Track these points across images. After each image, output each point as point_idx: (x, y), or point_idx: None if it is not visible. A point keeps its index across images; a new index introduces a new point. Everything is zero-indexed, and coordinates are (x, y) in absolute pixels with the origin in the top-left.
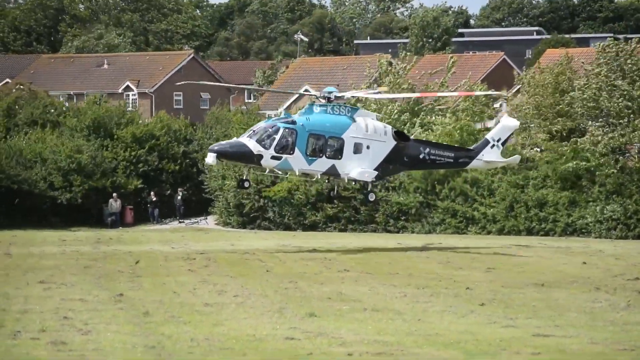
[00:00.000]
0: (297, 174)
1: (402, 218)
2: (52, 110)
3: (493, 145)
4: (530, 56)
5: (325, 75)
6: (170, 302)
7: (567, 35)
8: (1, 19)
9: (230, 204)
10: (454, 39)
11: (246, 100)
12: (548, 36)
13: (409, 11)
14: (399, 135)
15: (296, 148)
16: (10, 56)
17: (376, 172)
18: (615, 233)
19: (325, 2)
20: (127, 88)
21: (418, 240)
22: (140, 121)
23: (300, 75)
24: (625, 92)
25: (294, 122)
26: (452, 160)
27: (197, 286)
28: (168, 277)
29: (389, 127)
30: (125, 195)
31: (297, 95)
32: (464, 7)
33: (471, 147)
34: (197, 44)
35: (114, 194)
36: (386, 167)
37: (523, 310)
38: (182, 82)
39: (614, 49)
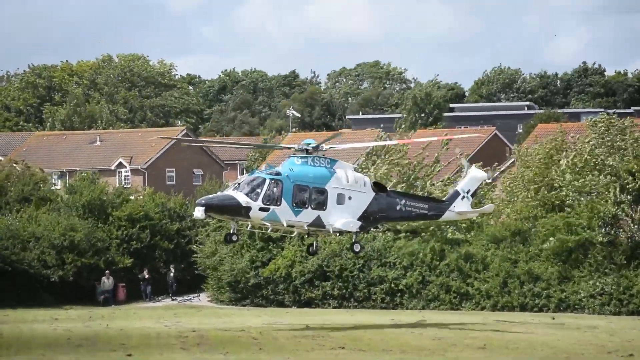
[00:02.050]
0: (284, 225)
1: (398, 295)
2: (42, 187)
3: (463, 197)
4: (521, 131)
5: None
6: None
7: (559, 110)
8: None
9: (223, 280)
10: (445, 114)
11: (239, 176)
12: (539, 111)
13: (403, 87)
14: (378, 186)
15: (282, 199)
16: (3, 134)
17: (360, 223)
18: (609, 309)
19: (319, 79)
20: (120, 165)
21: (412, 317)
22: (132, 197)
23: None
24: (612, 169)
25: (278, 174)
26: (426, 212)
27: None
28: (161, 356)
29: (367, 178)
30: (118, 272)
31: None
32: (457, 83)
33: (443, 199)
34: (192, 121)
35: (107, 272)
36: (367, 218)
37: None
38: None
39: (604, 123)
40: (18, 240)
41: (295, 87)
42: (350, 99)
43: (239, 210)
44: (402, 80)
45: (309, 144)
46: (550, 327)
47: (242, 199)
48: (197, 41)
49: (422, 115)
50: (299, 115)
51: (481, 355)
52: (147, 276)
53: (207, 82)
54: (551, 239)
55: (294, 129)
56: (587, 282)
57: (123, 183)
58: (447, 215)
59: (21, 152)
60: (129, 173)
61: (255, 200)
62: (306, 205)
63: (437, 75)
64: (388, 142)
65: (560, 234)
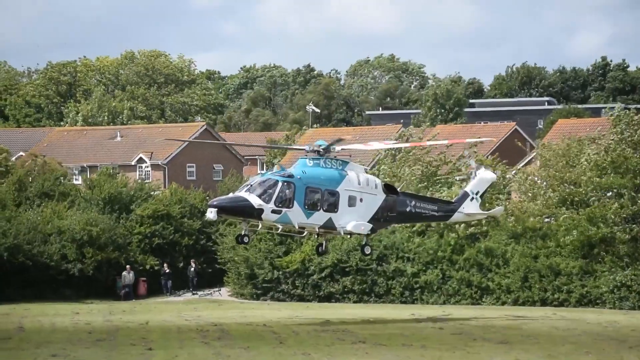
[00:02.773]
0: (296, 228)
1: (418, 289)
2: (63, 182)
3: (472, 198)
4: (542, 126)
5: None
6: None
7: (579, 106)
8: (14, 94)
9: (242, 274)
10: (465, 109)
11: (259, 171)
12: (559, 106)
13: (420, 82)
14: (388, 188)
15: (295, 202)
16: (24, 130)
17: (371, 225)
18: (628, 303)
19: (340, 75)
20: (140, 160)
21: (432, 311)
22: (155, 192)
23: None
24: (635, 166)
25: (291, 176)
26: (435, 213)
27: (210, 359)
28: (181, 350)
29: (379, 180)
30: (139, 266)
31: None
32: (476, 79)
33: (452, 201)
34: (214, 117)
35: (127, 266)
36: (378, 220)
37: None
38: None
39: (625, 120)
40: (39, 235)
41: (310, 80)
42: (368, 94)
43: (251, 212)
44: (419, 74)
45: (321, 145)
46: (572, 322)
47: (255, 201)
48: (219, 37)
49: (443, 111)
50: (318, 111)
51: (502, 350)
52: (167, 271)
53: (227, 78)
54: (574, 232)
55: (314, 125)
56: (608, 277)
57: (144, 178)
58: (456, 217)
59: (42, 148)
60: (150, 168)
61: (268, 202)
62: (318, 208)
63: (458, 72)
64: (393, 145)
65: (582, 228)
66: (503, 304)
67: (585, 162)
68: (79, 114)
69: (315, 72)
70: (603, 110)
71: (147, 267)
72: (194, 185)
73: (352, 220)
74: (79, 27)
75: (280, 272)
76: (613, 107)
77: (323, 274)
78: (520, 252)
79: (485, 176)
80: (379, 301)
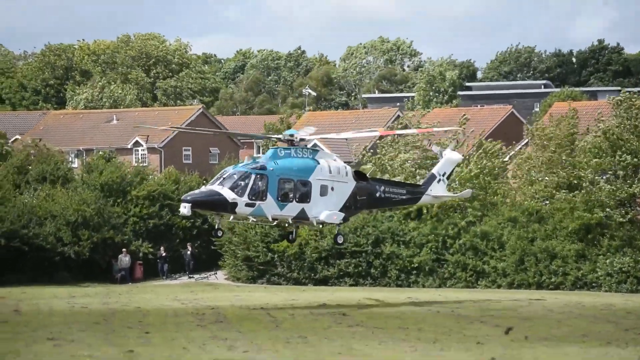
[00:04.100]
0: (269, 220)
1: (414, 273)
2: (62, 166)
3: (439, 179)
4: (538, 109)
5: (334, 129)
6: (180, 358)
7: (576, 89)
8: (9, 77)
9: (239, 257)
10: (461, 92)
11: (255, 155)
12: (556, 89)
13: (415, 64)
14: (358, 175)
15: (268, 194)
16: (19, 113)
17: (343, 214)
18: (625, 286)
19: (328, 57)
20: (136, 143)
21: (428, 295)
22: (150, 176)
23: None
24: (634, 149)
25: (263, 168)
26: (404, 197)
27: (206, 342)
28: (177, 333)
29: (349, 167)
30: (135, 250)
31: None
32: (471, 60)
33: (419, 184)
34: (208, 100)
35: (124, 249)
36: (349, 208)
37: None
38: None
39: (626, 102)
40: (34, 218)
41: (301, 64)
42: (363, 77)
43: (225, 206)
44: (412, 54)
45: (292, 134)
46: (568, 305)
47: (229, 194)
48: (218, 21)
49: (437, 94)
50: (314, 93)
51: (498, 332)
52: (163, 254)
53: (222, 61)
54: (570, 217)
55: (308, 108)
56: (605, 261)
57: (140, 161)
58: (424, 199)
59: (38, 131)
60: (146, 152)
61: (242, 195)
62: (291, 199)
63: (452, 54)
64: (367, 134)
65: (579, 212)
66: (499, 287)
67: (584, 144)
68: (81, 97)
69: (306, 57)
70: (599, 94)
71: (141, 254)
72: (189, 169)
73: (325, 210)
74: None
75: (276, 255)
76: (615, 92)
77: (317, 255)
78: (516, 236)
79: (451, 157)
80: (375, 284)
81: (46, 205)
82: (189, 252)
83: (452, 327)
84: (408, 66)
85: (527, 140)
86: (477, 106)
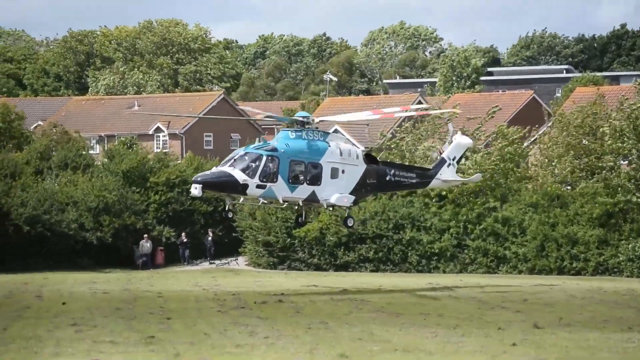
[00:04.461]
0: (280, 202)
1: (434, 258)
2: (84, 153)
3: (449, 164)
4: (560, 94)
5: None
6: (201, 344)
7: (598, 74)
8: (31, 63)
9: (260, 242)
10: (483, 78)
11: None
12: (578, 74)
13: (437, 50)
14: (369, 158)
15: (279, 176)
16: (41, 99)
17: (353, 197)
18: None
19: (349, 43)
20: (158, 129)
21: (449, 280)
22: (172, 163)
23: (329, 115)
24: None
25: (275, 150)
26: (414, 181)
27: (227, 327)
28: (199, 319)
29: (360, 150)
30: (156, 235)
31: None
32: (493, 46)
33: (429, 167)
34: (228, 85)
35: (145, 235)
36: (359, 191)
37: (555, 351)
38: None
39: None
40: (56, 204)
41: (325, 50)
42: (386, 63)
43: (236, 188)
44: (434, 40)
45: (305, 116)
46: (589, 290)
47: (240, 176)
48: (241, 6)
49: (459, 80)
50: (336, 79)
51: (519, 317)
52: (185, 240)
53: (244, 47)
54: (592, 202)
55: (329, 94)
56: (626, 246)
57: (161, 147)
58: (434, 183)
59: (60, 117)
60: (167, 137)
61: (252, 177)
62: (302, 181)
63: (475, 40)
64: (374, 116)
65: (601, 198)
66: (520, 272)
67: (607, 129)
68: (102, 83)
69: (330, 42)
70: (622, 79)
71: (163, 239)
72: (211, 155)
73: (335, 193)
74: None
75: (297, 241)
76: (638, 76)
77: (337, 241)
78: (537, 221)
79: (462, 141)
80: (395, 270)
81: (67, 191)
82: (210, 238)
83: (473, 313)
84: (430, 52)
85: (548, 125)
86: (498, 91)
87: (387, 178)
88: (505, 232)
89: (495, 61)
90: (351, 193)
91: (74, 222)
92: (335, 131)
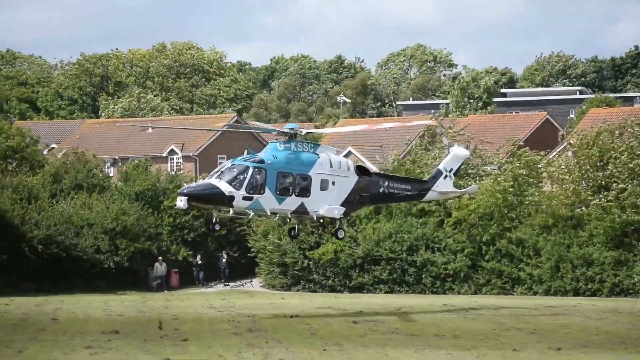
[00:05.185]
0: (268, 214)
1: (449, 280)
2: (98, 174)
3: (446, 176)
4: (574, 116)
5: (369, 136)
6: None
7: (611, 95)
8: (45, 86)
9: (274, 263)
10: (496, 99)
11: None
12: (591, 95)
13: (453, 74)
14: (361, 169)
15: (266, 187)
16: (55, 122)
17: (344, 208)
18: None
19: (365, 64)
20: (172, 152)
21: (464, 301)
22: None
23: (344, 136)
24: None
25: (262, 161)
26: (409, 193)
27: (242, 349)
28: (214, 341)
29: (351, 162)
30: (170, 258)
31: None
32: (508, 68)
33: (425, 179)
34: (240, 107)
35: (160, 257)
36: (351, 203)
37: None
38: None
39: None
40: (72, 227)
41: (342, 73)
42: (400, 85)
43: (222, 200)
44: (450, 64)
45: (292, 127)
46: (605, 311)
47: (226, 188)
48: (254, 28)
49: (471, 100)
50: (349, 101)
51: (534, 339)
52: (199, 262)
53: (256, 69)
54: (604, 221)
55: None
56: None
57: (175, 170)
58: (430, 195)
59: (74, 140)
60: (181, 160)
61: (239, 189)
62: (290, 193)
63: (491, 64)
64: (357, 128)
65: (613, 216)
66: (535, 294)
67: (620, 150)
68: (116, 107)
69: (347, 64)
70: (636, 100)
71: (180, 257)
72: None
73: (325, 204)
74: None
75: (312, 262)
76: None
77: (352, 262)
78: (552, 242)
79: (459, 153)
80: (410, 291)
81: (82, 213)
82: (224, 260)
83: (488, 334)
84: (444, 75)
85: (562, 146)
86: (512, 112)
87: (381, 190)
88: (520, 254)
89: (511, 82)
90: (342, 205)
91: (90, 245)
92: (349, 153)
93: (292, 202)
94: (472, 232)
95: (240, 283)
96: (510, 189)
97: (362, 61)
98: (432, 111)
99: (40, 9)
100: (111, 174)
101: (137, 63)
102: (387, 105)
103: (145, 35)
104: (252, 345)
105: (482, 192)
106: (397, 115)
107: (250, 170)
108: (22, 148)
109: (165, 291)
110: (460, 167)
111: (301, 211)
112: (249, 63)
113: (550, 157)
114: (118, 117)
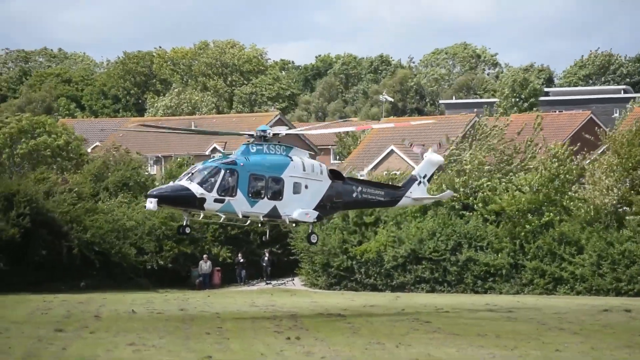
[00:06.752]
0: (239, 217)
1: (490, 279)
2: (143, 172)
3: (420, 182)
4: (618, 115)
5: (411, 135)
6: None
7: None
8: (90, 84)
9: (317, 263)
10: (540, 98)
11: (332, 161)
12: (636, 94)
13: (497, 72)
14: (334, 173)
15: (238, 190)
16: (100, 120)
17: (317, 213)
18: None
19: (412, 63)
20: (214, 150)
21: (506, 301)
22: None
23: (386, 135)
24: None
25: (234, 163)
26: (382, 199)
27: (284, 348)
28: (255, 339)
29: (324, 166)
30: (214, 256)
31: (384, 155)
32: (546, 66)
33: (399, 185)
34: (284, 106)
35: (205, 256)
36: (324, 207)
37: None
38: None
39: None
40: (117, 227)
41: (382, 72)
42: (443, 84)
43: (193, 202)
44: (493, 63)
45: (265, 130)
46: None
47: (196, 189)
48: (306, 27)
49: (518, 100)
50: (391, 99)
51: (577, 339)
52: (241, 260)
53: (300, 67)
54: None
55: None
56: None
57: None
58: (404, 202)
59: (118, 138)
60: None
61: (210, 191)
62: (262, 196)
63: (535, 62)
64: (335, 130)
65: None
66: (578, 293)
67: None
68: (160, 104)
69: (391, 60)
70: None
71: (220, 259)
72: None
73: (298, 208)
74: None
75: (354, 262)
76: None
77: (395, 263)
78: (595, 239)
79: (433, 159)
80: (452, 291)
81: (129, 214)
82: (266, 258)
83: (531, 334)
84: (488, 74)
85: (605, 146)
86: (555, 111)
87: (354, 195)
88: (562, 252)
89: (549, 80)
90: (315, 209)
91: (133, 245)
92: (391, 152)
93: (264, 205)
94: (512, 226)
95: (282, 281)
96: (550, 185)
97: (412, 59)
98: (475, 110)
99: (95, 10)
100: (154, 172)
101: (179, 61)
102: (428, 104)
103: (182, 35)
104: (294, 344)
105: (524, 185)
106: (440, 114)
107: (222, 172)
108: (70, 147)
109: (208, 289)
110: (434, 173)
111: (273, 215)
112: (292, 62)
113: (593, 157)
114: (161, 116)
